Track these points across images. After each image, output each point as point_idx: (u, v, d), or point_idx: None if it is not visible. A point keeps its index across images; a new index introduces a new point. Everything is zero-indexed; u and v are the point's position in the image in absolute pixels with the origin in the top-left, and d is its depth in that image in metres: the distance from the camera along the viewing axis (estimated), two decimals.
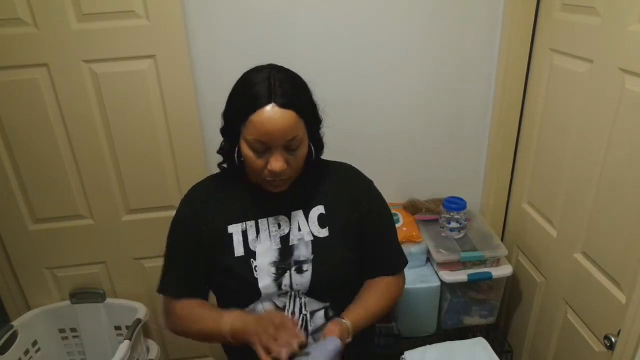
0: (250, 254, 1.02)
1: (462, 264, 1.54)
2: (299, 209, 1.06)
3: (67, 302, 1.67)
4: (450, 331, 1.67)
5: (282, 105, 0.89)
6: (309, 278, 1.02)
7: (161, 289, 1.09)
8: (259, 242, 1.03)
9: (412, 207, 1.72)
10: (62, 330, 1.70)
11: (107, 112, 1.45)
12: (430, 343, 1.06)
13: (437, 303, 1.59)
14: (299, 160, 0.97)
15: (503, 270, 1.55)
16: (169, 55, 1.41)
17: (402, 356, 1.03)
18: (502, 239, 1.79)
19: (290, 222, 1.05)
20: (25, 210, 1.55)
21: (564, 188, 1.39)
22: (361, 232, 1.08)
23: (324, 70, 1.56)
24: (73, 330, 1.70)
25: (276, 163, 0.92)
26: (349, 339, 0.97)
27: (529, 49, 1.53)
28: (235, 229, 1.04)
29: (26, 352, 1.57)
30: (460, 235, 1.62)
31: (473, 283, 1.56)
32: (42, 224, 1.58)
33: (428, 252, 1.60)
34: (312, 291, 1.03)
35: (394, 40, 1.54)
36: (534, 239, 1.61)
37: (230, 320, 0.96)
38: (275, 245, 1.03)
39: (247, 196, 1.06)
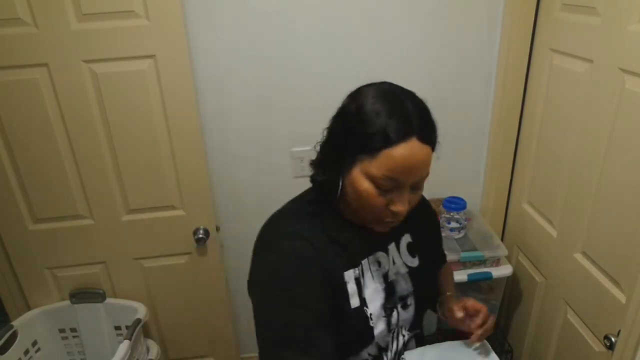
0: (363, 302, 0.89)
1: (462, 264, 1.54)
2: (392, 242, 0.97)
3: (67, 302, 1.67)
4: (450, 331, 1.66)
5: (423, 140, 0.76)
6: (412, 312, 0.96)
7: None
8: (366, 287, 0.90)
9: None
10: (62, 330, 1.70)
11: (107, 112, 1.45)
12: (430, 343, 1.05)
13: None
14: (418, 200, 0.85)
15: (503, 270, 1.55)
16: (169, 55, 1.41)
17: (402, 356, 1.03)
18: (502, 239, 1.79)
19: (388, 257, 0.95)
20: (25, 210, 1.54)
21: (564, 188, 1.39)
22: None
23: (324, 71, 1.56)
24: (73, 330, 1.70)
25: (402, 205, 0.79)
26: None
27: (529, 49, 1.53)
28: (349, 276, 0.88)
29: (26, 352, 1.57)
30: (460, 235, 1.62)
31: (473, 283, 1.56)
32: (42, 224, 1.58)
33: None
34: (413, 323, 0.98)
35: (394, 40, 1.54)
36: (534, 239, 1.61)
37: None
38: (380, 285, 0.92)
39: (349, 235, 0.90)
